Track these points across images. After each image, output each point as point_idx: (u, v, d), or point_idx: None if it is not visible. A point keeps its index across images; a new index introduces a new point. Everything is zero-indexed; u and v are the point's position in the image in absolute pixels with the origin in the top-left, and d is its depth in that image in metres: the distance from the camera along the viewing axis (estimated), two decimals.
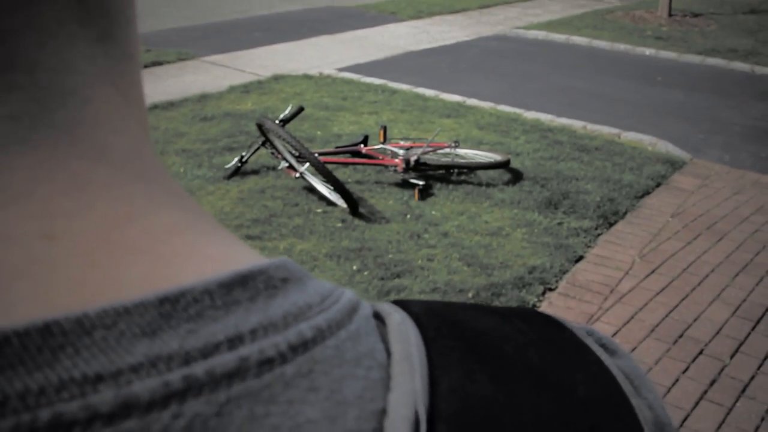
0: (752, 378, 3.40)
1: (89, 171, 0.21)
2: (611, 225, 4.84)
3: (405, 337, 0.24)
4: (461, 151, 5.30)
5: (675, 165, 5.90)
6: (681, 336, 3.68)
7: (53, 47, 0.21)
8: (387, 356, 0.23)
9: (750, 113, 7.61)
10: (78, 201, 0.20)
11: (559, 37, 10.74)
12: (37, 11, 0.21)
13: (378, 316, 0.25)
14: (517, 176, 5.38)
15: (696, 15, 12.78)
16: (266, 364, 0.20)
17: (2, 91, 0.20)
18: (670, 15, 12.34)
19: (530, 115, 6.91)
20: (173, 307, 0.20)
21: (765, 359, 3.54)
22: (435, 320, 0.25)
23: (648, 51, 10.13)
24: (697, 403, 3.21)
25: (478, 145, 5.88)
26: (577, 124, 6.71)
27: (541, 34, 10.85)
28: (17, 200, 0.20)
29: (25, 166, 0.20)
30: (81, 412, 0.18)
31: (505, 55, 9.54)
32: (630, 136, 6.47)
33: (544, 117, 6.85)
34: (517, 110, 7.00)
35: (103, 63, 0.23)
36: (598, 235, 4.68)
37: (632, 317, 3.81)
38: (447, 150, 5.27)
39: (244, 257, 0.23)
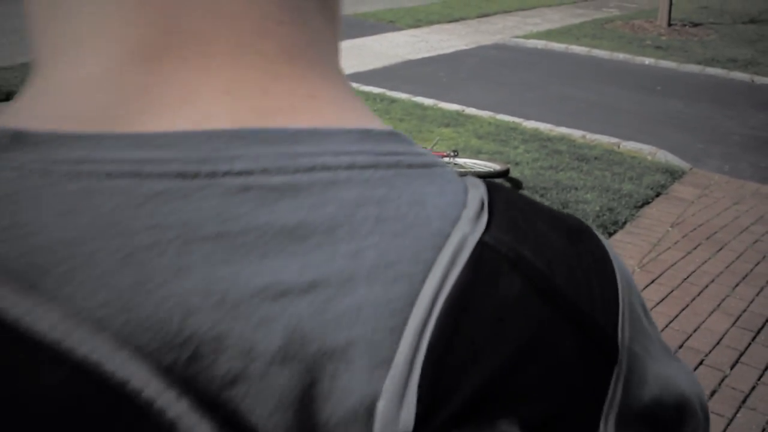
0: (753, 389, 3.38)
1: (328, 75, 0.38)
2: (611, 235, 4.82)
3: (475, 181, 0.39)
4: (460, 161, 5.28)
5: (674, 175, 5.89)
6: (681, 346, 3.66)
7: (309, 14, 0.38)
8: (465, 186, 0.38)
9: (749, 123, 7.61)
10: (323, 86, 0.37)
11: (558, 46, 10.75)
12: None
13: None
14: (516, 186, 5.36)
15: (695, 24, 12.80)
16: (406, 166, 0.36)
17: (279, 36, 0.36)
18: (669, 24, 12.36)
19: (529, 124, 6.90)
20: (367, 134, 0.36)
21: (765, 370, 3.52)
22: (491, 183, 0.41)
23: (647, 60, 10.14)
24: None
25: (476, 154, 5.87)
26: (576, 133, 6.71)
27: (540, 43, 10.86)
28: (293, 81, 0.36)
29: (294, 72, 0.36)
30: (309, 163, 0.33)
31: (504, 64, 9.55)
32: (629, 146, 6.46)
33: (543, 126, 6.84)
34: (516, 119, 6.99)
35: (328, 26, 0.39)
36: None
37: None
38: (446, 159, 5.26)
39: (384, 126, 0.40)
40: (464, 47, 10.43)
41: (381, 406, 0.31)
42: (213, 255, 0.30)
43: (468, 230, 0.35)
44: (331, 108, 0.37)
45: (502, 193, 0.39)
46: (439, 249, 0.34)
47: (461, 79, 8.61)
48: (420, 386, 0.31)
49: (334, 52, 0.40)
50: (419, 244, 0.34)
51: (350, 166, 0.34)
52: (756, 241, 4.85)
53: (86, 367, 0.27)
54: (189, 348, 0.28)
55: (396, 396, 0.31)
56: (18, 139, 0.31)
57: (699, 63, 10.01)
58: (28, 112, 0.33)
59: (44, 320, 0.27)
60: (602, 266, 0.39)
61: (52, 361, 0.26)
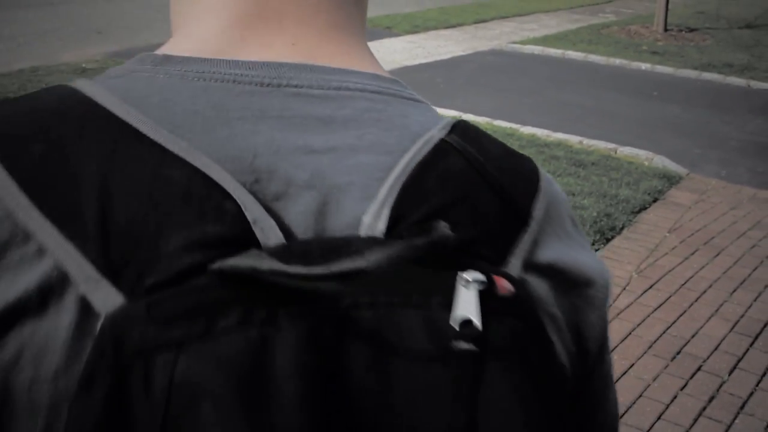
0: (751, 394, 3.38)
1: (357, 43, 0.58)
2: (608, 241, 4.82)
3: (447, 117, 0.58)
4: None
5: (672, 180, 5.90)
6: (679, 352, 3.66)
7: (347, 3, 0.57)
8: (440, 115, 0.57)
9: (746, 128, 7.62)
10: (353, 48, 0.56)
11: (554, 51, 10.77)
12: None
13: None
14: None
15: (692, 30, 12.83)
16: (401, 97, 0.56)
17: (328, 15, 0.56)
18: (665, 30, 12.38)
19: (526, 130, 6.91)
20: (378, 76, 0.56)
21: (764, 375, 3.52)
22: (460, 119, 0.58)
23: (644, 66, 10.16)
24: (695, 420, 3.18)
25: None
26: (573, 139, 6.71)
27: (537, 49, 10.88)
28: (335, 43, 0.56)
29: (335, 38, 0.56)
30: (337, 85, 0.53)
31: (500, 69, 9.56)
32: (626, 151, 6.47)
33: (540, 132, 6.85)
34: (514, 125, 7.00)
35: (359, 12, 0.59)
36: (596, 251, 4.66)
37: (630, 333, 3.78)
38: None
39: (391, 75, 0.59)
40: (461, 53, 10.44)
41: (366, 219, 0.49)
42: (274, 126, 0.50)
43: (435, 134, 0.54)
44: (357, 61, 0.56)
45: (465, 122, 0.57)
46: (414, 141, 0.53)
47: (458, 85, 8.62)
48: (391, 210, 0.49)
49: (362, 30, 0.60)
50: (401, 137, 0.53)
51: (363, 90, 0.54)
52: (753, 246, 4.86)
53: (198, 170, 0.45)
54: (253, 175, 0.47)
55: (376, 215, 0.49)
56: (167, 59, 0.52)
57: (695, 68, 10.02)
58: (172, 48, 0.55)
59: (177, 146, 0.46)
60: (529, 176, 0.56)
61: (181, 165, 0.45)
